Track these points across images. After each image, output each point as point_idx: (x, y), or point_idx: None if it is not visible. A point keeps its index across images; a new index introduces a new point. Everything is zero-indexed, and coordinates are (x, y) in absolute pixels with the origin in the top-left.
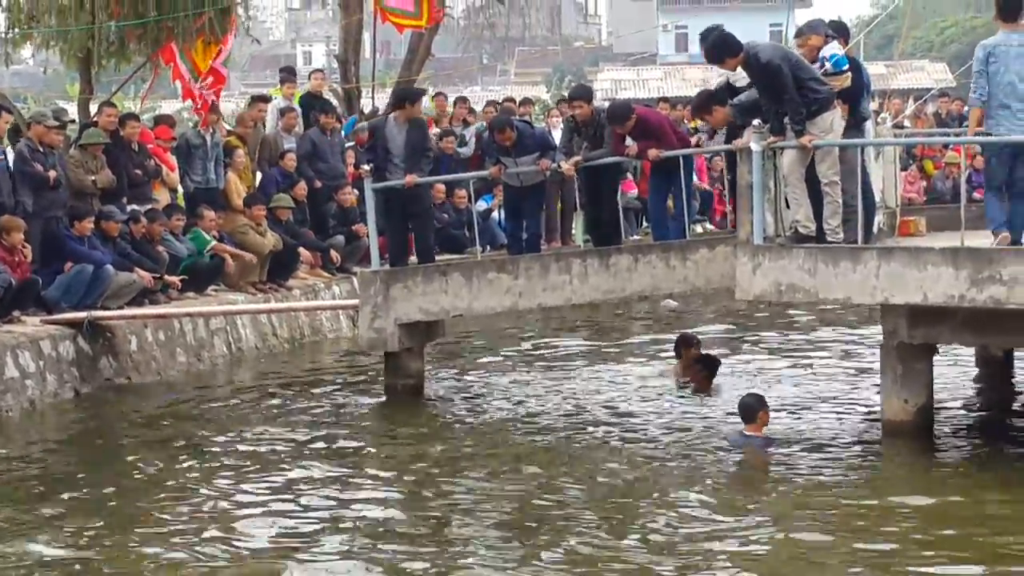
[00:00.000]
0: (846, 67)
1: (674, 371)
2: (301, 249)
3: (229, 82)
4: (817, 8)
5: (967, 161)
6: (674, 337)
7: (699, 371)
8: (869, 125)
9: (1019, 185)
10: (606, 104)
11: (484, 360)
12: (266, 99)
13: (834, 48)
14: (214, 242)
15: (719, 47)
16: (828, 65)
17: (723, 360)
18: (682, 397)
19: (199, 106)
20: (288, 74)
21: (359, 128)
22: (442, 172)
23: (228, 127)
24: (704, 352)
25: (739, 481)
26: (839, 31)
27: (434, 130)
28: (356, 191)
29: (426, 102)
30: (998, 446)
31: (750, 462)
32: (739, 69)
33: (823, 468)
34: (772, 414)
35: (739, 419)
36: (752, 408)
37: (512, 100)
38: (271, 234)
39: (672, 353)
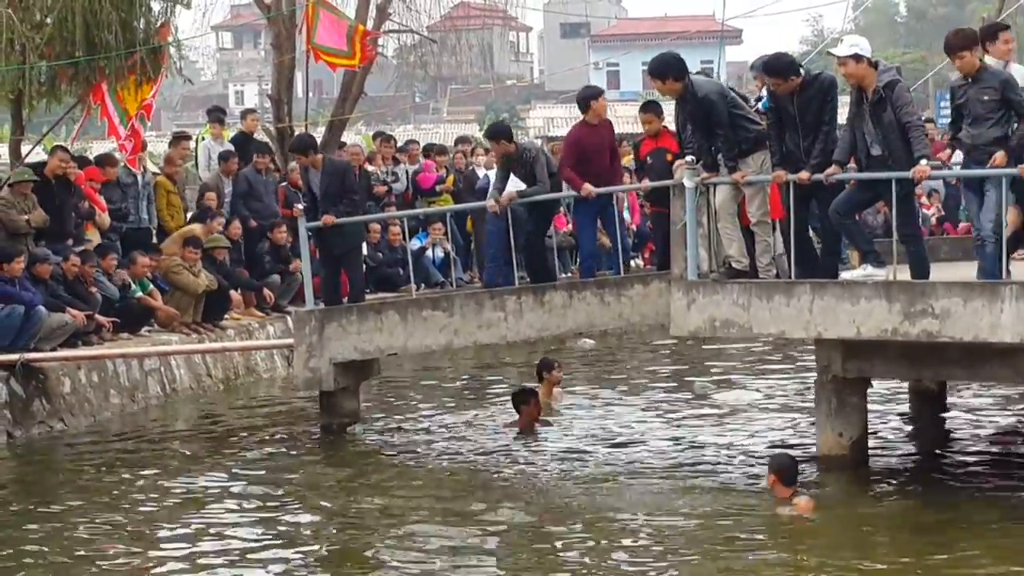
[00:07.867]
0: None
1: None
2: (231, 292)
3: (160, 122)
4: (748, 45)
5: None
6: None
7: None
8: None
9: None
10: (537, 141)
11: (417, 398)
12: (188, 137)
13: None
14: (140, 293)
15: (667, 64)
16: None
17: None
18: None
19: (126, 146)
20: (219, 113)
21: (290, 168)
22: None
23: (156, 167)
24: (524, 385)
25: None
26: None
27: (369, 168)
28: (287, 229)
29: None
30: (931, 479)
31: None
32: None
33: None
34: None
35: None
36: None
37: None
38: (205, 274)
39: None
